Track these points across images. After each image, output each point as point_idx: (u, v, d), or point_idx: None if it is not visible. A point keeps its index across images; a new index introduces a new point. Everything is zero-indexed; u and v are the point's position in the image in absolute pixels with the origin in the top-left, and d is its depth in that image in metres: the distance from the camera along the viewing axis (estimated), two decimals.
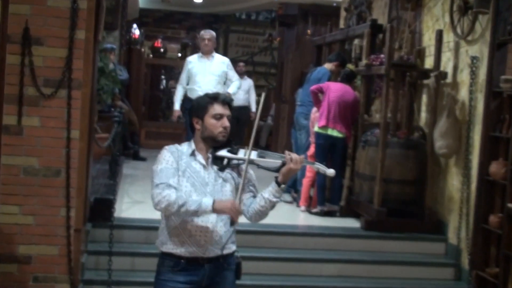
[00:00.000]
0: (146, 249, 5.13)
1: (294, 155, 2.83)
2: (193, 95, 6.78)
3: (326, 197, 6.64)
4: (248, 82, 10.59)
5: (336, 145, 6.55)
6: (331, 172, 2.87)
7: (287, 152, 2.87)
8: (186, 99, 7.18)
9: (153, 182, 2.85)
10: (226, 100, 2.97)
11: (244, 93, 10.29)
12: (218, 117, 2.92)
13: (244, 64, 10.96)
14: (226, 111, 2.95)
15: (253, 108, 10.53)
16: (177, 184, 2.84)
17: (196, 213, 2.79)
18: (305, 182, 6.74)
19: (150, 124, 12.13)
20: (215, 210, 2.78)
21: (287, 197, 7.11)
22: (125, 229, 5.37)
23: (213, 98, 2.96)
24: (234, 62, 11.28)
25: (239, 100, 10.16)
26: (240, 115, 9.94)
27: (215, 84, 6.97)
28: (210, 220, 2.87)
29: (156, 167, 2.89)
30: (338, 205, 6.63)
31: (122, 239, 5.28)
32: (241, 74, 10.39)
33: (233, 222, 2.85)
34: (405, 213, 6.08)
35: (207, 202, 2.78)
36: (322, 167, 2.88)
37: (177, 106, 7.29)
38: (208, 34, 7.23)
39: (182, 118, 7.47)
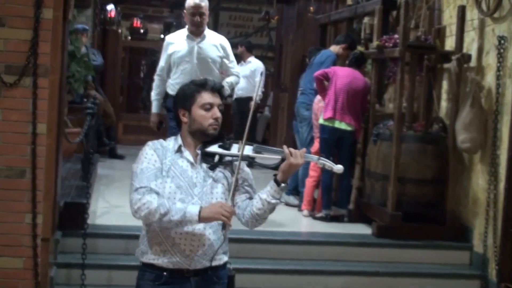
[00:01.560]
0: (125, 260, 5.13)
1: (294, 150, 2.83)
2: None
3: (332, 200, 6.65)
4: (252, 66, 9.80)
5: (344, 139, 6.56)
6: (339, 168, 2.86)
7: (285, 146, 2.87)
8: (166, 97, 5.92)
9: (132, 185, 2.84)
10: (215, 87, 2.96)
11: (246, 81, 9.63)
12: (208, 107, 2.92)
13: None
14: (217, 100, 2.95)
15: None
16: (160, 186, 2.84)
17: (181, 223, 2.79)
18: (309, 182, 6.75)
19: (128, 117, 12.15)
20: (202, 219, 2.77)
21: (292, 199, 7.10)
22: (100, 237, 5.37)
23: (200, 85, 2.95)
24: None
25: (240, 89, 9.61)
26: (245, 108, 9.49)
27: (208, 75, 5.43)
28: (197, 226, 2.85)
29: (136, 167, 2.88)
30: (346, 209, 6.64)
31: (96, 249, 5.28)
32: (240, 57, 9.77)
33: (225, 226, 2.83)
34: (424, 217, 6.10)
35: (193, 210, 2.77)
36: (328, 163, 2.87)
37: (155, 108, 5.95)
38: (201, 3, 5.73)
39: (164, 125, 6.03)
